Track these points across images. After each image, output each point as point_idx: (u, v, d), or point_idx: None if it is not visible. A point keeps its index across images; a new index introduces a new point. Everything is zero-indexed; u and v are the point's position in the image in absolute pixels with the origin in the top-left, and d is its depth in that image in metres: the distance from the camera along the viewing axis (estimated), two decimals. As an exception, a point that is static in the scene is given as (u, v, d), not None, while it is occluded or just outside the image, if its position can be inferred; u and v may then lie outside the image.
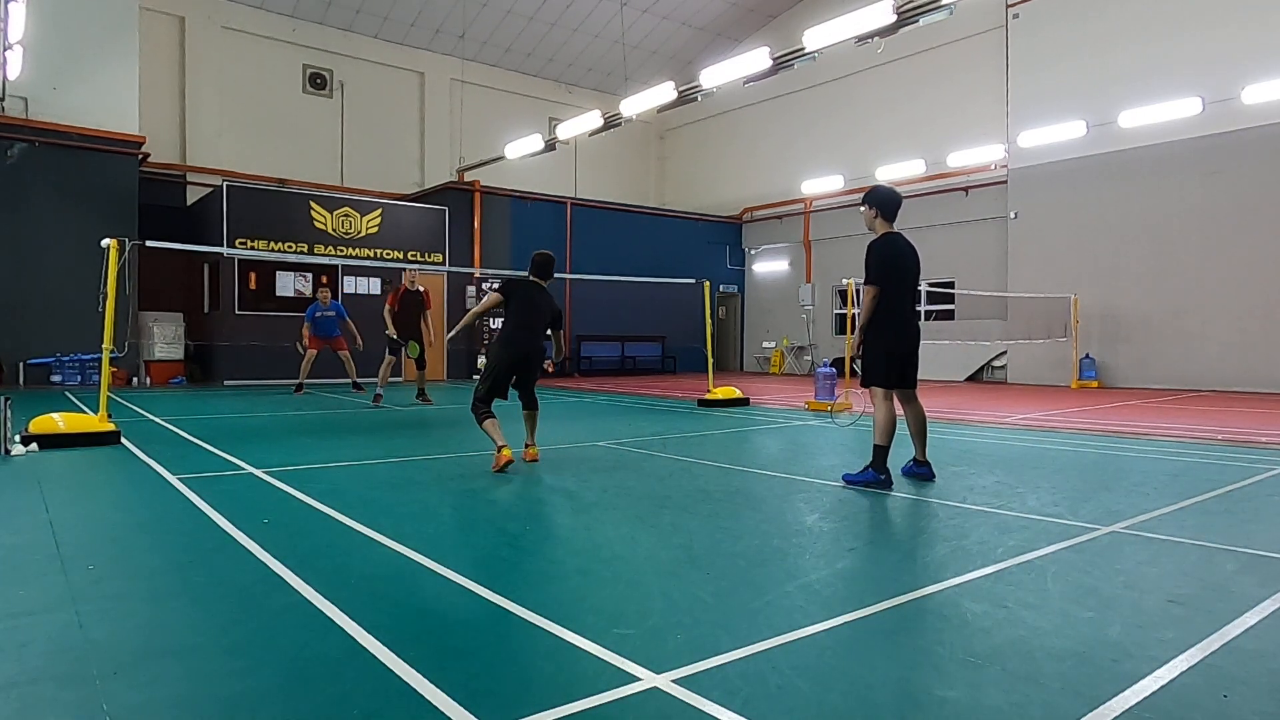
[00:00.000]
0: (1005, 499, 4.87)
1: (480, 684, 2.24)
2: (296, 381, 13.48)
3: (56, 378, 14.19)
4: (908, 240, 5.56)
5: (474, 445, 7.24)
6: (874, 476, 5.24)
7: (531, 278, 6.39)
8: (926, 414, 5.68)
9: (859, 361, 5.59)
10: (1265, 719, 2.06)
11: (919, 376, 5.53)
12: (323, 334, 13.29)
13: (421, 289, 11.81)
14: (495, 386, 6.08)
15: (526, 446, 6.27)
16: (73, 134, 14.71)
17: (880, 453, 5.26)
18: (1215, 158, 15.06)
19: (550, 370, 6.16)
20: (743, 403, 11.81)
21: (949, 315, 19.69)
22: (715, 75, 12.92)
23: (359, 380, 13.54)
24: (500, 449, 5.78)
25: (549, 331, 6.42)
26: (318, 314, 13.25)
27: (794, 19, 21.73)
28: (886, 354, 5.41)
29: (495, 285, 6.33)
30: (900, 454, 5.60)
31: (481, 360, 5.62)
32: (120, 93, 15.35)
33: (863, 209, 5.65)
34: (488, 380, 6.08)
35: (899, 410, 5.57)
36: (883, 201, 5.51)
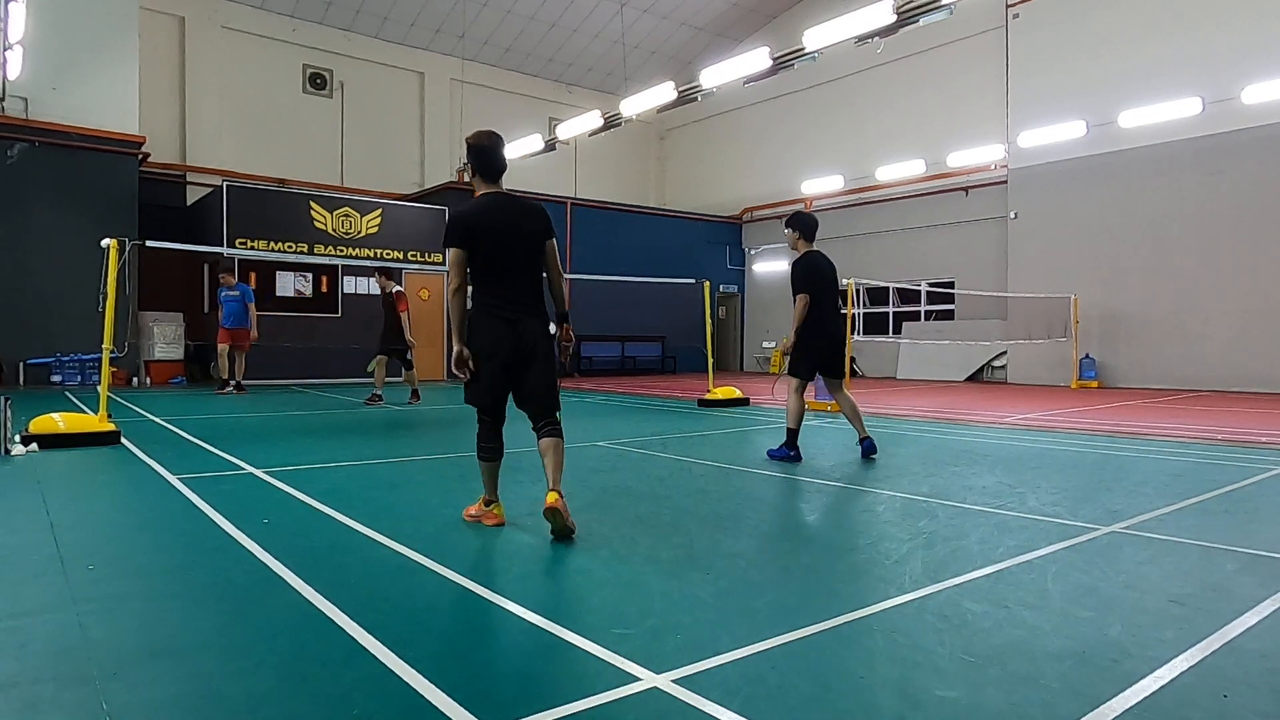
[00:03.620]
0: (1005, 499, 4.87)
1: (480, 684, 2.24)
2: (223, 379, 12.49)
3: (56, 378, 14.18)
4: (826, 256, 6.60)
5: (472, 446, 7.24)
6: (786, 453, 6.35)
7: (490, 189, 4.09)
8: (857, 404, 6.71)
9: (788, 357, 6.64)
10: (1265, 719, 2.06)
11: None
12: (225, 321, 12.09)
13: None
14: (490, 401, 4.05)
15: (552, 491, 3.89)
16: (73, 134, 14.71)
17: (792, 435, 6.37)
18: (1215, 158, 15.06)
19: (564, 359, 4.22)
20: (743, 403, 11.80)
21: (949, 315, 19.69)
22: (715, 75, 12.92)
23: (243, 382, 12.50)
24: (487, 501, 4.17)
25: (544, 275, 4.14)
26: (221, 296, 12.09)
27: (794, 19, 21.72)
28: (812, 350, 6.48)
29: (450, 223, 4.03)
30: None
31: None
32: (120, 93, 15.34)
33: (786, 231, 6.61)
34: (477, 394, 4.07)
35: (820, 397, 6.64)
36: (804, 225, 6.53)
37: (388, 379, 11.62)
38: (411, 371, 11.61)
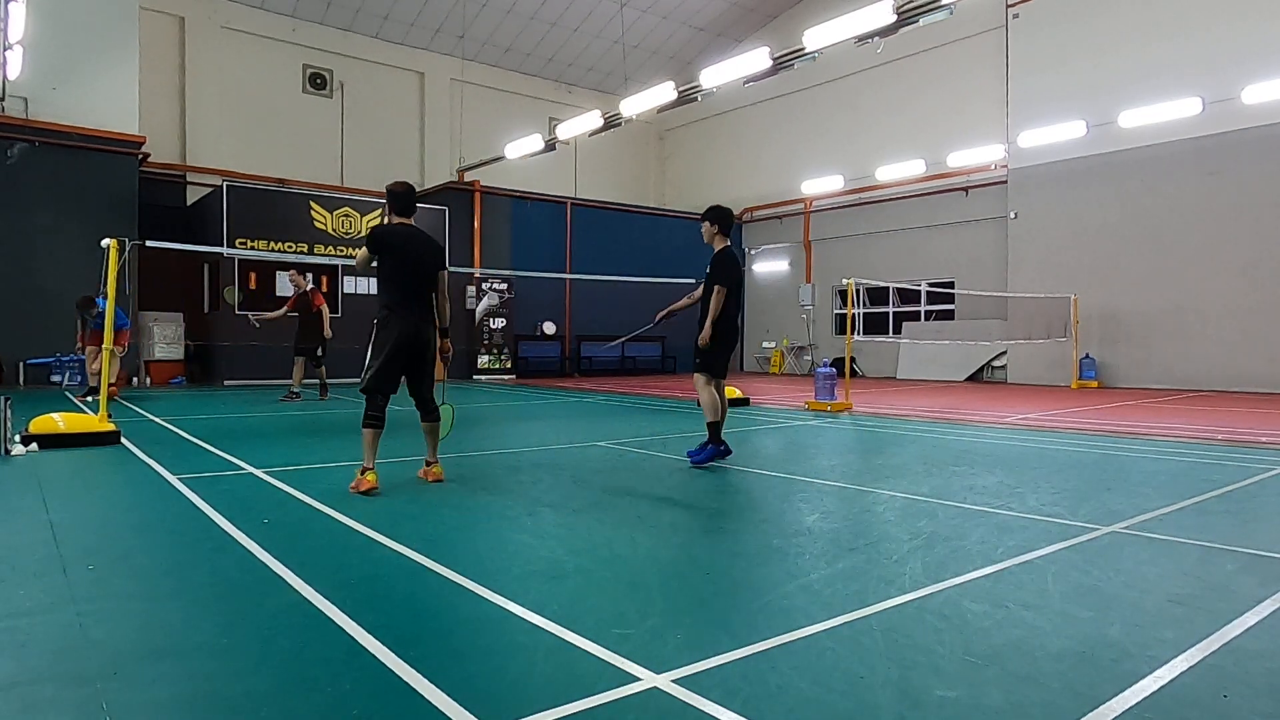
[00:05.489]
0: (1005, 499, 4.87)
1: (480, 684, 2.24)
2: (90, 387, 11.54)
3: (56, 378, 14.19)
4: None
5: (471, 446, 7.27)
6: (715, 451, 6.12)
7: (402, 221, 5.23)
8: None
9: (698, 354, 6.36)
10: (1265, 719, 2.06)
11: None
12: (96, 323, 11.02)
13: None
14: (381, 376, 5.01)
15: (427, 464, 5.36)
16: (73, 134, 14.71)
17: (714, 429, 6.18)
18: (1215, 158, 15.06)
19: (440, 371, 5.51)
20: (743, 403, 11.80)
21: (949, 315, 19.68)
22: (715, 75, 12.92)
23: (110, 384, 11.51)
24: (365, 470, 4.93)
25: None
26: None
27: (794, 19, 21.72)
28: (727, 349, 6.39)
29: (371, 233, 5.26)
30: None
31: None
32: (120, 93, 15.34)
33: (705, 224, 6.46)
34: (372, 367, 5.03)
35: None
36: (725, 220, 6.46)
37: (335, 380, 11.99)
38: (321, 369, 12.09)
